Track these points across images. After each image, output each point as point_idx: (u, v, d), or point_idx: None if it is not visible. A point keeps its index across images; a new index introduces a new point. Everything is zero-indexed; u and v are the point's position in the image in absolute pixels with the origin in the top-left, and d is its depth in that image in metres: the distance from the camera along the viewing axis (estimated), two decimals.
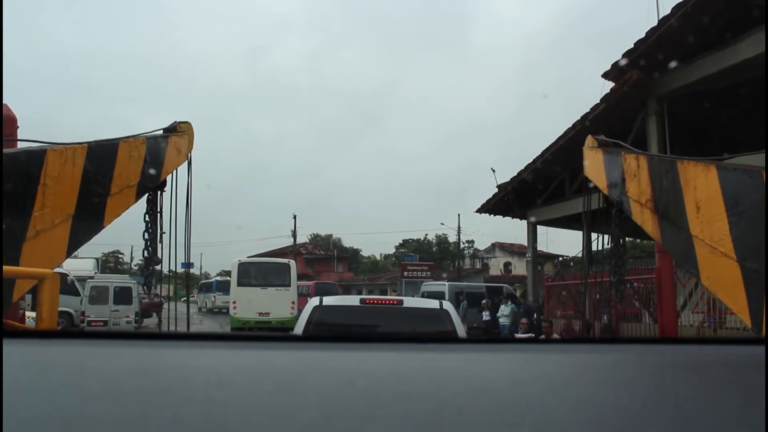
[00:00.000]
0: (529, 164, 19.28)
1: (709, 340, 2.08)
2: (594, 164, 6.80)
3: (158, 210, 6.61)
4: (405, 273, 37.86)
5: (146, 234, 6.31)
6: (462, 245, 57.55)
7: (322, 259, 62.46)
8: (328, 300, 6.89)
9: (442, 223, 74.34)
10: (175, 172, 6.77)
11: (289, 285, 22.15)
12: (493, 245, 61.08)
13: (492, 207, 21.76)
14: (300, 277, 49.96)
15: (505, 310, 21.41)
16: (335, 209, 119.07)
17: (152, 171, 5.82)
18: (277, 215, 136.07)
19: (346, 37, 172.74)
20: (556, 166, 18.67)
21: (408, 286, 39.61)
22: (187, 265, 6.94)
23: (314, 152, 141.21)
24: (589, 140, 7.01)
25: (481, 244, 64.34)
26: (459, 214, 75.27)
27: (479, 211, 22.19)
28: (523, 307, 20.27)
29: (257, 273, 22.59)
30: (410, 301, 7.22)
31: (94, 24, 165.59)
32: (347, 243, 73.58)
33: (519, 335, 14.18)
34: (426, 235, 75.88)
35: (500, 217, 22.78)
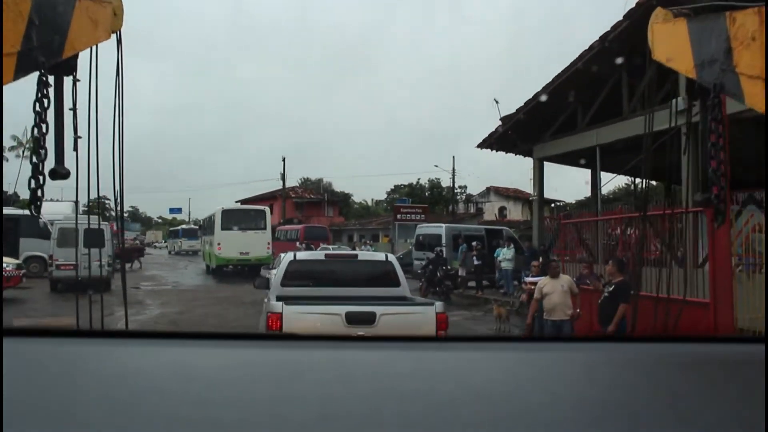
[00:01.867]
0: (538, 92, 17.39)
1: (709, 338, 1.75)
2: (671, 41, 4.98)
3: (73, 105, 4.73)
4: (398, 216, 36.29)
5: (35, 130, 4.45)
6: (456, 190, 55.89)
7: (312, 203, 60.84)
8: (300, 255, 8.83)
9: (435, 165, 72.60)
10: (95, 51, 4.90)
11: (265, 228, 26.25)
12: (488, 189, 59.52)
13: (494, 142, 19.95)
14: (289, 222, 48.96)
15: (507, 253, 19.88)
16: (325, 154, 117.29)
17: (46, 38, 3.96)
18: (265, 160, 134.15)
19: None
20: (568, 96, 16.80)
21: (401, 230, 38.23)
22: (118, 202, 4.71)
23: (301, 97, 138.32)
24: (660, 13, 5.16)
25: (475, 189, 62.78)
26: (453, 157, 73.32)
27: (480, 146, 20.37)
28: (528, 251, 18.73)
29: (238, 218, 26.13)
30: (363, 255, 9.79)
31: None
32: (338, 188, 72.06)
33: (529, 279, 12.63)
34: (419, 179, 74.37)
35: (503, 153, 21.00)
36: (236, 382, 1.01)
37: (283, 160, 55.43)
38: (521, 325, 14.48)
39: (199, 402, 0.92)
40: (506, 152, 21.01)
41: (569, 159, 19.70)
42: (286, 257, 8.46)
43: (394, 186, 71.68)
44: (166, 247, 52.20)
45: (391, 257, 8.99)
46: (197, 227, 49.20)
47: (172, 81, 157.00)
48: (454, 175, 49.81)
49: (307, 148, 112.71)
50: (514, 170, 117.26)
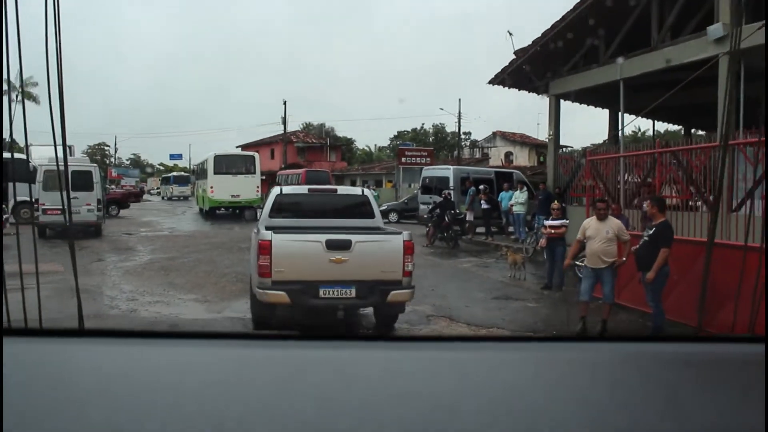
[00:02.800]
0: (557, 22, 15.94)
1: (709, 338, 1.91)
2: None
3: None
4: (402, 159, 34.92)
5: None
6: (460, 136, 54.41)
7: (314, 147, 59.38)
8: (287, 189, 9.77)
9: (441, 108, 70.78)
10: None
11: (254, 173, 27.38)
12: (494, 134, 57.95)
13: (507, 77, 18.54)
14: (290, 166, 47.80)
15: (519, 197, 18.70)
16: (327, 100, 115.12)
17: None
18: (267, 105, 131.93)
19: None
20: (590, 25, 15.36)
21: (405, 174, 37.05)
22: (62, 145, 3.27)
23: (303, 41, 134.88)
24: None
25: (480, 135, 61.23)
26: (459, 99, 71.90)
27: (492, 82, 18.97)
28: (542, 193, 17.56)
29: (229, 163, 27.48)
30: (342, 189, 10.54)
31: None
32: (341, 134, 70.59)
33: (549, 222, 11.52)
34: (423, 124, 72.88)
35: (515, 90, 19.61)
36: (237, 381, 1.01)
37: (284, 103, 53.92)
38: (537, 272, 13.48)
39: (199, 402, 0.93)
40: (519, 89, 19.62)
41: (588, 96, 18.37)
42: (274, 191, 9.28)
43: (398, 132, 70.42)
44: (159, 192, 56.36)
45: (367, 192, 9.73)
46: (188, 174, 53.38)
47: (173, 25, 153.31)
48: (459, 118, 48.45)
49: (309, 93, 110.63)
50: (521, 115, 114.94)
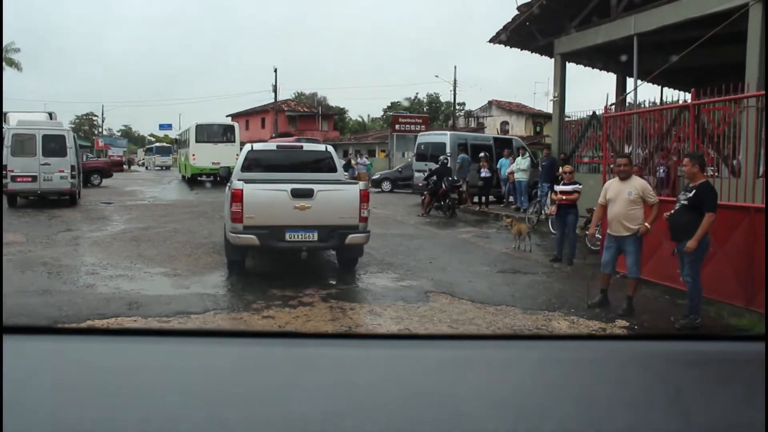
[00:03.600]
0: None
1: (709, 336, 2.02)
2: None
3: None
4: (396, 126, 33.59)
5: None
6: (456, 106, 52.95)
7: (306, 116, 57.92)
8: (257, 146, 10.30)
9: (436, 76, 69.20)
10: None
11: (234, 141, 27.51)
12: (490, 103, 56.54)
13: (509, 35, 17.24)
14: (282, 136, 46.53)
15: (521, 163, 17.59)
16: (318, 69, 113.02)
17: None
18: (258, 74, 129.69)
19: None
20: None
21: (399, 141, 35.77)
22: None
23: (295, 8, 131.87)
24: None
25: (474, 105, 59.65)
26: (455, 66, 70.32)
27: (493, 40, 17.67)
28: (546, 159, 16.43)
29: (210, 132, 28.06)
30: (307, 146, 11.28)
31: None
32: (333, 103, 68.97)
33: (560, 187, 10.41)
34: (417, 93, 71.24)
35: (517, 50, 18.33)
36: (237, 380, 1.02)
37: (275, 70, 52.22)
38: (544, 243, 12.40)
39: (199, 401, 0.94)
40: (521, 48, 18.34)
41: (595, 57, 17.09)
42: (245, 148, 9.97)
43: (391, 103, 68.77)
44: (143, 162, 59.63)
45: (330, 148, 10.35)
46: (169, 145, 55.37)
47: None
48: (455, 86, 46.93)
49: (301, 62, 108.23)
50: (517, 85, 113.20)
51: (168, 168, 51.48)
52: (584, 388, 1.04)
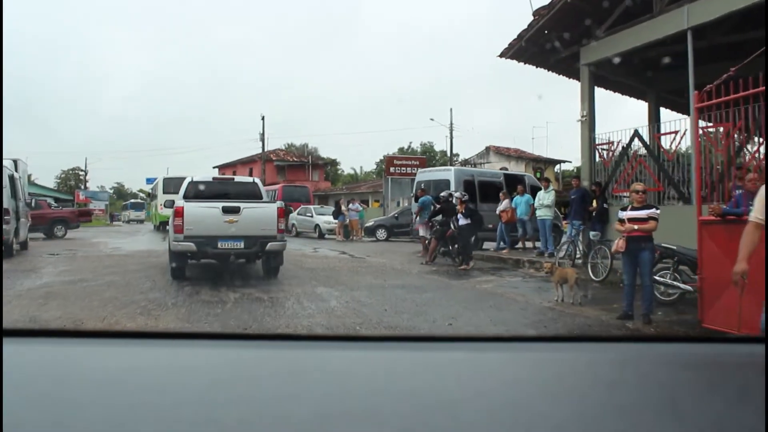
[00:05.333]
0: None
1: (709, 338, 1.93)
2: None
3: None
4: (391, 169, 30.69)
5: None
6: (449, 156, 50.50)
7: (295, 166, 55.36)
8: (197, 177, 12.24)
9: (431, 119, 67.01)
10: None
11: None
12: (487, 149, 54.15)
13: (524, 46, 14.56)
14: (270, 186, 43.81)
15: (544, 197, 14.66)
16: (310, 123, 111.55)
17: None
18: (248, 128, 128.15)
19: None
20: None
21: (395, 187, 32.90)
22: None
23: (281, 63, 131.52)
24: None
25: (469, 153, 57.35)
26: (451, 109, 68.29)
27: (504, 54, 15.01)
28: (575, 192, 13.53)
29: (176, 184, 28.88)
30: (238, 178, 13.63)
31: None
32: (324, 155, 66.62)
33: (629, 213, 7.45)
34: (410, 143, 69.20)
35: (532, 67, 15.66)
36: (236, 382, 1.02)
37: (263, 118, 50.04)
38: (593, 293, 9.34)
39: (199, 402, 0.94)
40: (536, 65, 15.69)
41: (633, 68, 14.35)
42: (187, 179, 12.33)
43: (383, 156, 66.60)
44: (121, 217, 62.49)
45: (257, 180, 12.44)
46: (143, 201, 61.87)
47: (155, 49, 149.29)
48: (451, 129, 44.69)
49: (291, 116, 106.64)
50: (512, 132, 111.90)
51: (141, 222, 55.25)
52: (582, 390, 1.02)
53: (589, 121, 13.81)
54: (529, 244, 16.78)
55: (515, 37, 14.58)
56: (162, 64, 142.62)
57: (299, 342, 1.32)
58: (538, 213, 14.69)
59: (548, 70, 16.00)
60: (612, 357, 1.21)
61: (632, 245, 7.28)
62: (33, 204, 21.49)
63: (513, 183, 19.09)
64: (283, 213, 10.86)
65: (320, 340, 1.35)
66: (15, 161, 29.98)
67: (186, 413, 0.89)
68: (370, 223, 26.72)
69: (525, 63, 15.47)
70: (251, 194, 11.70)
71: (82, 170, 79.97)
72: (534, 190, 17.19)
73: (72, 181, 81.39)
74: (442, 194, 14.89)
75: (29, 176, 63.64)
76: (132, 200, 69.71)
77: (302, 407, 0.91)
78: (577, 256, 12.76)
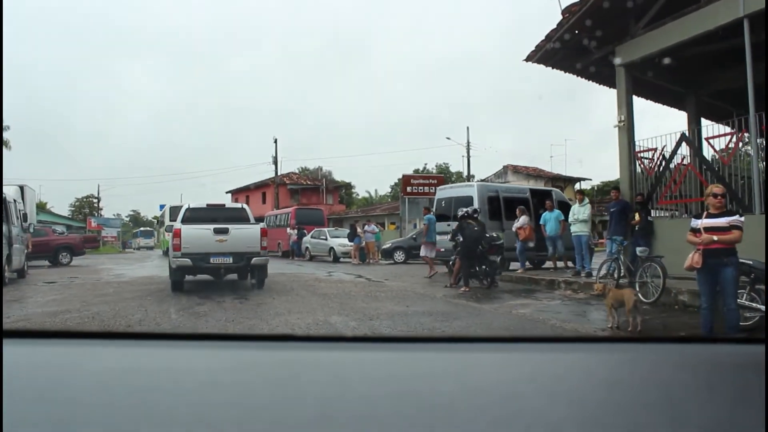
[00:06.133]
0: None
1: (709, 339, 1.99)
2: None
3: None
4: (408, 189, 29.46)
5: None
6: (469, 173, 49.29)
7: (309, 189, 54.33)
8: (193, 204, 13.56)
9: (447, 138, 65.88)
10: None
11: None
12: (505, 168, 52.96)
13: (553, 48, 13.36)
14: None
15: (579, 211, 13.34)
16: (322, 147, 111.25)
17: None
18: (261, 153, 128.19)
19: None
20: None
21: (412, 206, 31.56)
22: None
23: (295, 88, 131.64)
24: None
25: (483, 173, 56.12)
26: (468, 127, 67.15)
27: (531, 57, 13.83)
28: (615, 205, 12.22)
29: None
30: (229, 205, 14.81)
31: None
32: (339, 178, 65.62)
33: (707, 221, 6.16)
34: (425, 165, 68.12)
35: (560, 72, 14.45)
36: (235, 382, 1.01)
37: (275, 141, 49.09)
38: (668, 319, 8.00)
39: (198, 403, 0.94)
40: (565, 70, 14.46)
41: (670, 70, 13.09)
42: (184, 206, 13.92)
43: (398, 180, 65.65)
44: (132, 244, 63.39)
45: (245, 206, 14.19)
46: (151, 229, 66.35)
47: (167, 76, 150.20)
48: (468, 148, 43.28)
49: (304, 140, 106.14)
50: (529, 150, 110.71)
51: (151, 248, 56.71)
52: (582, 391, 1.02)
53: (627, 127, 12.51)
54: (555, 262, 15.54)
55: (542, 38, 13.42)
56: (177, 92, 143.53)
57: (297, 343, 1.32)
58: (573, 229, 13.36)
59: (577, 75, 14.78)
60: (612, 357, 1.21)
61: (711, 260, 5.98)
62: (31, 230, 20.48)
63: (539, 198, 17.87)
64: (265, 233, 12.72)
65: (317, 341, 1.35)
66: (21, 187, 29.36)
67: (185, 414, 0.90)
68: (387, 245, 25.50)
69: (553, 67, 14.28)
70: (240, 218, 13.14)
71: (95, 197, 79.91)
72: (561, 207, 15.97)
73: (86, 208, 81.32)
74: (461, 210, 13.59)
75: (44, 204, 63.81)
76: (142, 228, 73.53)
77: (300, 408, 0.91)
78: (621, 274, 11.41)
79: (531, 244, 15.44)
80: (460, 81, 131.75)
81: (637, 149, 12.55)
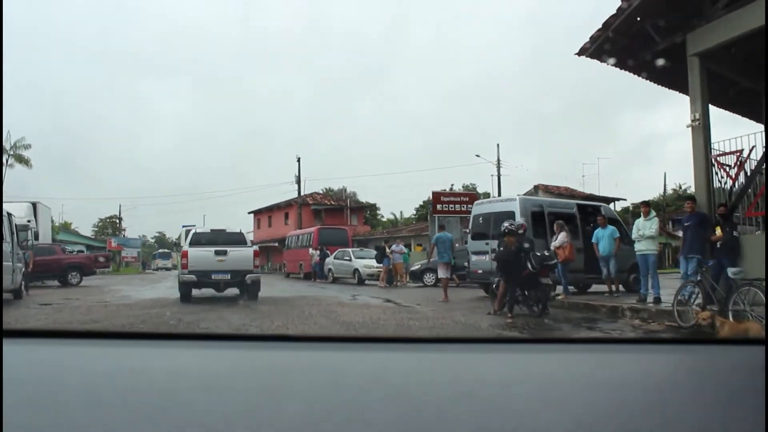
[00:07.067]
0: None
1: (709, 340, 1.89)
2: None
3: None
4: (438, 207, 27.63)
5: None
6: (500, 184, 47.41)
7: (333, 210, 52.72)
8: (199, 229, 17.13)
9: (477, 155, 64.05)
10: None
11: None
12: (536, 188, 50.75)
13: (607, 41, 11.62)
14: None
15: (646, 226, 11.42)
16: (345, 167, 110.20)
17: None
18: (284, 173, 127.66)
19: None
20: None
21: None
22: None
23: (319, 109, 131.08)
24: None
25: (517, 187, 54.09)
26: (498, 144, 64.84)
27: (583, 52, 12.09)
28: (692, 218, 10.33)
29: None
30: (229, 230, 15.94)
31: None
32: (363, 199, 64.09)
33: None
34: (452, 185, 66.28)
35: (616, 69, 12.66)
36: (234, 382, 1.02)
37: (298, 160, 47.82)
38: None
39: (197, 403, 0.94)
40: (621, 66, 12.68)
41: (744, 63, 11.25)
42: (192, 231, 16.94)
43: (423, 202, 63.97)
44: (152, 265, 64.07)
45: (243, 230, 16.29)
46: (169, 251, 68.82)
47: (190, 98, 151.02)
48: (499, 167, 41.43)
49: (327, 161, 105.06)
50: (559, 169, 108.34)
51: (168, 269, 56.81)
52: (580, 392, 1.00)
53: (703, 126, 10.66)
54: (610, 286, 13.66)
55: (599, 27, 11.68)
56: (200, 113, 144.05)
57: (292, 343, 1.32)
58: (638, 247, 11.42)
59: (635, 73, 12.98)
60: (610, 359, 1.19)
61: None
62: (30, 245, 19.15)
63: (587, 214, 16.04)
64: (258, 254, 15.31)
65: (315, 341, 1.34)
66: (34, 204, 28.27)
67: (184, 414, 0.91)
68: (416, 267, 23.70)
69: (608, 63, 12.51)
70: (238, 241, 15.44)
71: (119, 218, 79.69)
72: (611, 224, 14.13)
73: (109, 229, 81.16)
74: (504, 224, 11.78)
75: (69, 224, 63.44)
76: (160, 250, 75.24)
77: (295, 409, 0.92)
78: (698, 301, 9.49)
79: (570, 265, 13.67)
80: (484, 101, 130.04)
81: (716, 153, 10.68)
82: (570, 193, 49.33)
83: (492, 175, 43.76)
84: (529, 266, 10.57)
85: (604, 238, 13.29)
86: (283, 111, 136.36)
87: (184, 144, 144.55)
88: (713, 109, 11.60)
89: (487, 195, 53.11)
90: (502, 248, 11.16)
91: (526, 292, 10.80)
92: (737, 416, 0.92)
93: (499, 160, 41.40)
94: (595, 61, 12.19)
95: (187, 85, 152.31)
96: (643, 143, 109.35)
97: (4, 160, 48.97)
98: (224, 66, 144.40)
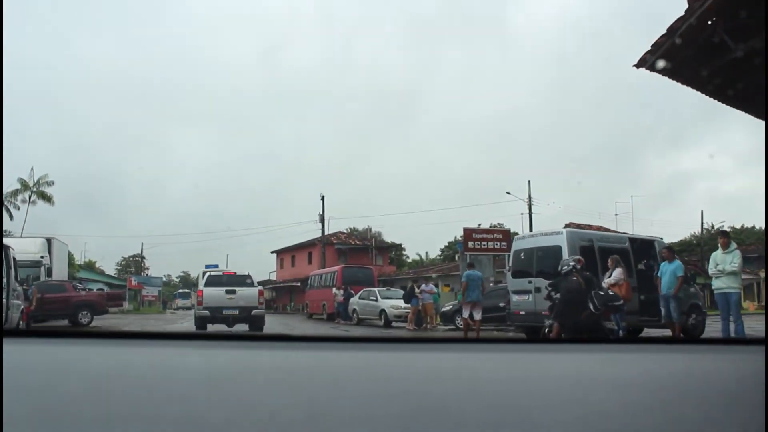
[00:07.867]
0: None
1: (709, 340, 1.65)
2: None
3: None
4: (469, 244, 26.05)
5: None
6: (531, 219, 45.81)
7: (358, 250, 51.46)
8: (213, 272, 21.85)
9: (508, 192, 62.11)
10: None
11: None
12: (567, 226, 49.18)
13: (671, 49, 10.19)
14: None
15: (727, 260, 9.83)
16: (370, 207, 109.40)
17: None
18: (308, 213, 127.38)
19: (366, 30, 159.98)
20: None
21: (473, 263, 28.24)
22: None
23: (342, 155, 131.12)
24: None
25: (549, 221, 52.33)
26: (529, 181, 63.04)
27: (642, 63, 10.61)
28: None
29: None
30: (239, 273, 19.86)
31: (102, 32, 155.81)
32: (389, 239, 62.81)
33: None
34: (479, 225, 64.66)
35: (677, 84, 11.21)
36: (234, 383, 1.02)
37: (322, 198, 46.81)
38: None
39: (197, 403, 0.93)
40: (684, 82, 11.21)
41: None
42: (206, 274, 20.93)
43: (449, 242, 62.37)
44: (173, 305, 65.61)
45: (250, 273, 19.65)
46: (188, 291, 68.59)
47: (215, 140, 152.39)
48: (530, 204, 39.85)
49: (352, 201, 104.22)
50: (591, 207, 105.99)
51: (188, 309, 57.61)
52: (580, 393, 1.01)
53: None
54: (674, 329, 11.95)
55: (662, 33, 10.28)
56: (226, 156, 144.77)
57: (293, 343, 1.31)
58: (717, 284, 9.85)
59: (700, 90, 11.50)
60: (610, 360, 1.19)
61: None
62: (29, 282, 18.23)
63: (641, 249, 14.46)
64: (262, 293, 19.02)
65: (314, 342, 1.34)
66: (49, 240, 27.45)
67: (184, 414, 0.90)
68: (447, 307, 22.10)
69: (669, 76, 11.05)
70: (246, 282, 18.69)
71: (143, 257, 79.48)
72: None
73: (132, 267, 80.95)
74: (564, 262, 10.25)
75: (93, 262, 63.03)
76: (180, 290, 75.48)
77: (296, 409, 0.91)
78: None
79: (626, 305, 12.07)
80: (510, 139, 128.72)
81: None
82: (602, 232, 47.63)
83: (522, 214, 42.11)
84: (591, 307, 9.00)
85: (667, 273, 11.70)
86: (308, 151, 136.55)
87: (209, 185, 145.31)
88: None
89: (516, 234, 51.61)
90: (565, 287, 9.59)
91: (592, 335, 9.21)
92: (737, 416, 0.92)
93: (530, 197, 39.77)
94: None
95: (213, 129, 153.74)
96: (672, 181, 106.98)
97: (27, 197, 49.08)
98: (249, 108, 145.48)
